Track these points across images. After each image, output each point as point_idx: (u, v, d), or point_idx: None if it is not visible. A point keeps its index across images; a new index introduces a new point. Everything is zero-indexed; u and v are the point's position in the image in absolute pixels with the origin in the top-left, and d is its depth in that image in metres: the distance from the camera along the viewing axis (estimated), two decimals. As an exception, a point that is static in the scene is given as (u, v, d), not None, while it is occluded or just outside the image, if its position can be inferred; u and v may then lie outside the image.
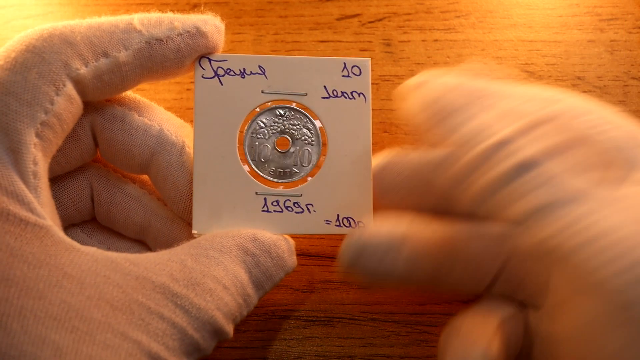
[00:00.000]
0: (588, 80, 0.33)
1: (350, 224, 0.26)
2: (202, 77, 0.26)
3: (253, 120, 0.27)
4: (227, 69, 0.26)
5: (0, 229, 0.20)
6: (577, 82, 0.33)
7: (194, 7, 0.36)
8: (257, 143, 0.27)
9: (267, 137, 0.27)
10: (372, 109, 0.27)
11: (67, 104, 0.23)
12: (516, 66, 0.33)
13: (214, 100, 0.26)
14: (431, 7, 0.35)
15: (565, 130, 0.22)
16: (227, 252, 0.24)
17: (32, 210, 0.21)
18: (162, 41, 0.24)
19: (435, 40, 0.34)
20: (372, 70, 0.33)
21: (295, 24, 0.35)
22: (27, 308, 0.19)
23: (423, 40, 0.34)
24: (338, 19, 0.35)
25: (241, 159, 0.26)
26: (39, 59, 0.22)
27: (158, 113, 0.27)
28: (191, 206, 0.26)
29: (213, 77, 0.26)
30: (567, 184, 0.20)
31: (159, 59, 0.25)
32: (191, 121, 0.33)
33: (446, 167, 0.23)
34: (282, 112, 0.27)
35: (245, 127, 0.27)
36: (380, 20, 0.35)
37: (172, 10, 0.31)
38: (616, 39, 0.33)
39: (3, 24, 0.36)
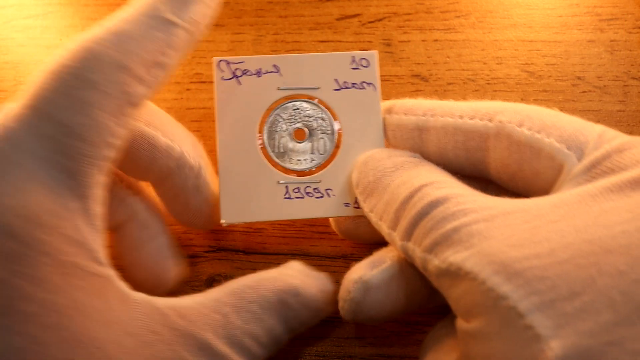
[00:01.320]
0: (588, 80, 0.33)
1: None
2: (222, 78, 0.28)
3: (271, 115, 0.28)
4: (245, 69, 0.28)
5: (70, 285, 0.20)
6: (577, 82, 0.33)
7: (194, 7, 0.36)
8: (276, 136, 0.28)
9: (285, 129, 0.28)
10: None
11: (126, 131, 0.23)
12: (516, 66, 0.33)
13: (234, 99, 0.28)
14: (431, 7, 0.35)
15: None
16: (269, 308, 0.24)
17: (97, 260, 0.21)
18: (194, 21, 0.24)
19: (435, 40, 0.34)
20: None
21: (295, 24, 0.35)
22: None
23: (423, 40, 0.34)
24: (338, 19, 0.35)
25: (262, 152, 0.28)
26: (101, 95, 0.21)
27: (179, 133, 0.27)
28: (194, 218, 0.28)
29: (231, 78, 0.28)
30: (464, 212, 0.22)
31: (196, 38, 0.25)
32: (192, 121, 0.33)
33: (380, 226, 0.25)
34: (297, 105, 0.28)
35: (265, 122, 0.28)
36: (380, 20, 0.35)
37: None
38: (616, 39, 0.33)
39: (3, 23, 0.36)
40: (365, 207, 0.26)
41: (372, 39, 0.34)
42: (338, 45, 0.34)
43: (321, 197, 0.27)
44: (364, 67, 0.28)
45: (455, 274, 0.20)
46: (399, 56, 0.34)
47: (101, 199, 0.22)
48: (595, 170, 0.22)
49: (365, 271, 0.24)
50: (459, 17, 0.34)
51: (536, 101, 0.32)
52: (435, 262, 0.21)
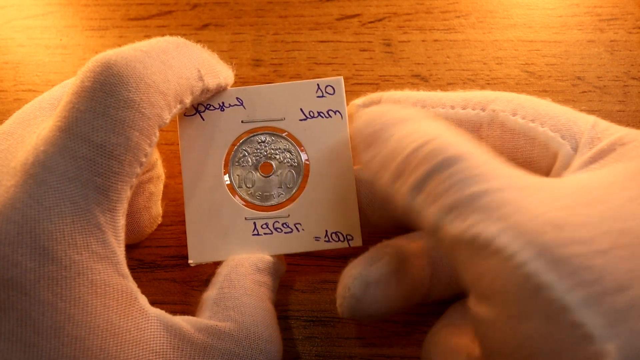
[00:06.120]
0: (588, 80, 0.33)
1: (339, 238, 0.27)
2: (184, 115, 0.28)
3: (236, 150, 0.28)
4: (207, 104, 0.28)
5: (104, 306, 0.21)
6: (577, 82, 0.33)
7: (194, 7, 0.36)
8: (242, 171, 0.28)
9: (250, 164, 0.28)
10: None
11: (153, 150, 0.23)
12: (516, 66, 0.33)
13: (198, 135, 0.27)
14: (431, 7, 0.35)
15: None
16: (252, 293, 0.25)
17: (122, 273, 0.22)
18: (209, 91, 0.26)
19: (435, 40, 0.34)
20: (372, 71, 0.34)
21: (295, 24, 0.35)
22: None
23: (423, 40, 0.34)
24: (338, 19, 0.35)
25: (228, 188, 0.27)
26: (139, 116, 0.22)
27: None
28: (135, 225, 0.28)
29: (194, 114, 0.27)
30: (489, 177, 0.19)
31: (197, 103, 0.27)
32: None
33: (380, 177, 0.22)
34: (262, 138, 0.28)
35: (230, 157, 0.28)
36: (380, 20, 0.35)
37: (172, 10, 0.31)
38: (616, 39, 0.33)
39: (3, 24, 0.36)
40: (364, 156, 0.23)
41: (372, 39, 0.34)
42: (338, 45, 0.34)
43: (290, 232, 0.27)
44: (330, 94, 0.27)
45: (482, 247, 0.18)
46: (399, 56, 0.34)
47: (126, 211, 0.23)
48: (602, 160, 0.22)
49: (364, 267, 0.24)
50: (459, 17, 0.34)
51: (536, 101, 0.32)
52: (455, 228, 0.19)
